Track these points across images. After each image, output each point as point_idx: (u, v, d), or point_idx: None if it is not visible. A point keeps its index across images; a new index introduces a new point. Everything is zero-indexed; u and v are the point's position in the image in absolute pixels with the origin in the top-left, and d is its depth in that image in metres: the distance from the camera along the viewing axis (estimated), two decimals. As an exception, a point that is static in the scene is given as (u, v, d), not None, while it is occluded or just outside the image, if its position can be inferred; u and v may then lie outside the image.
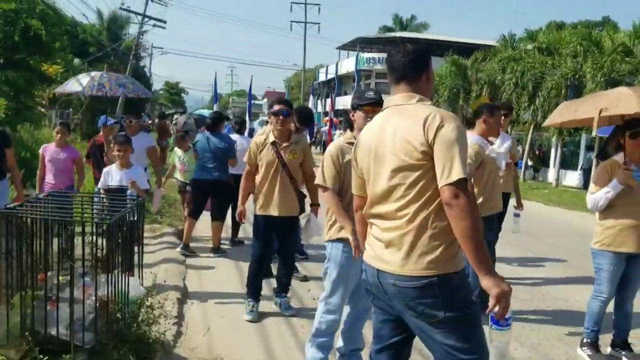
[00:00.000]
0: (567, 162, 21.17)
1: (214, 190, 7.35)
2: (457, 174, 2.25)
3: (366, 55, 41.82)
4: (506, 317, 2.27)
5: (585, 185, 19.08)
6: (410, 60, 2.55)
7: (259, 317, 5.04)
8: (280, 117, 4.95)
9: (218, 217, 7.45)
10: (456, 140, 2.30)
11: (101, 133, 7.96)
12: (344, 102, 45.32)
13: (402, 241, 2.40)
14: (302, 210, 5.43)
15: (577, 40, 19.47)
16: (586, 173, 19.42)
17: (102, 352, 3.19)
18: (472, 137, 4.85)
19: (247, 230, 8.59)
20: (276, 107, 5.00)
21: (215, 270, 6.69)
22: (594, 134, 4.51)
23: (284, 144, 5.05)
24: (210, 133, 7.46)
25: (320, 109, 44.08)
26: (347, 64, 46.09)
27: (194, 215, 7.45)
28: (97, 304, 3.23)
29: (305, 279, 6.32)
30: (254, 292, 5.14)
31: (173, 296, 5.30)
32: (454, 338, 2.37)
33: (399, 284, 2.41)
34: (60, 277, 3.38)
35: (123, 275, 3.50)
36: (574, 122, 4.85)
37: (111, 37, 35.78)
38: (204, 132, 7.73)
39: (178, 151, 8.14)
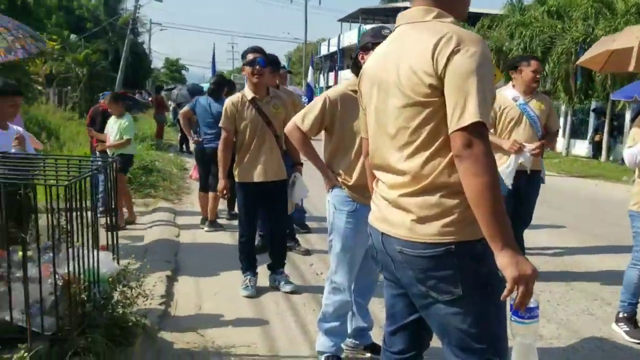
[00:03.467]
0: (577, 131, 20.51)
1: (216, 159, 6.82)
2: (470, 116, 1.68)
3: (369, 26, 40.80)
4: (530, 306, 1.74)
5: (595, 155, 18.50)
6: None
7: (257, 293, 4.57)
8: (257, 67, 4.34)
9: (215, 187, 6.93)
10: (474, 70, 1.71)
11: (102, 101, 7.69)
12: (347, 75, 44.54)
13: (411, 200, 1.87)
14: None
15: (589, 2, 18.67)
16: (595, 143, 18.83)
17: (66, 340, 2.71)
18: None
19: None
20: (250, 56, 4.37)
21: (211, 245, 6.21)
22: (630, 68, 3.84)
23: (264, 99, 4.46)
24: (213, 99, 6.82)
25: (322, 83, 43.23)
26: (350, 37, 45.06)
27: (204, 188, 6.95)
28: (59, 284, 2.73)
29: (307, 252, 5.83)
30: (249, 265, 4.66)
31: (162, 274, 4.86)
32: (469, 321, 1.86)
33: (407, 252, 1.88)
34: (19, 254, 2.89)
35: (92, 249, 3.00)
36: (609, 58, 4.21)
37: (108, 13, 35.09)
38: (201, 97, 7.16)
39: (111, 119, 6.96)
